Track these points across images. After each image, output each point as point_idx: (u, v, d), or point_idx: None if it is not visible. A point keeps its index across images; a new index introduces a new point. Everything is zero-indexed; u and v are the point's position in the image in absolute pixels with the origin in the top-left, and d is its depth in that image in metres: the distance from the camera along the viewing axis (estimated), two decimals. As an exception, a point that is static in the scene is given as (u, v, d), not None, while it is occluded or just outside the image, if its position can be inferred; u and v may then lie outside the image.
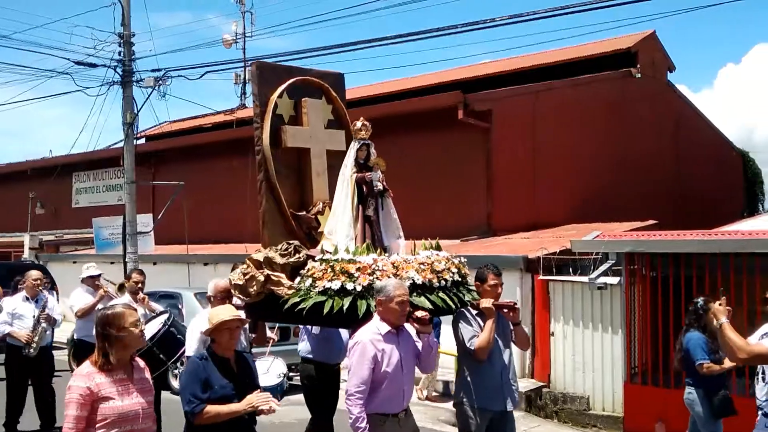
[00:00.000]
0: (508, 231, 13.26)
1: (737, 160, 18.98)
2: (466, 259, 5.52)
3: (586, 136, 14.85)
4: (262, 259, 5.35)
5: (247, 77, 23.87)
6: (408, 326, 4.80)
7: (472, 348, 5.11)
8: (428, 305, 4.87)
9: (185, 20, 61.94)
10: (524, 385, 10.16)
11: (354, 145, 5.54)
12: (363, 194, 5.43)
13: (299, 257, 5.30)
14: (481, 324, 5.18)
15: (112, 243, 15.35)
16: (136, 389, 3.85)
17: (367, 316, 4.79)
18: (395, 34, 17.54)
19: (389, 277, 4.86)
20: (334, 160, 5.91)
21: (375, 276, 4.87)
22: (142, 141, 20.94)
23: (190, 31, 60.85)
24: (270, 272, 5.24)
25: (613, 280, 9.03)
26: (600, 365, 9.39)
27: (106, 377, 3.76)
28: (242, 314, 4.74)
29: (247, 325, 5.97)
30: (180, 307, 11.10)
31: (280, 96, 5.71)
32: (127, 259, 14.34)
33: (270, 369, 6.31)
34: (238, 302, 5.55)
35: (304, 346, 6.64)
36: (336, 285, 4.88)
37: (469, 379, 5.23)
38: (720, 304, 5.03)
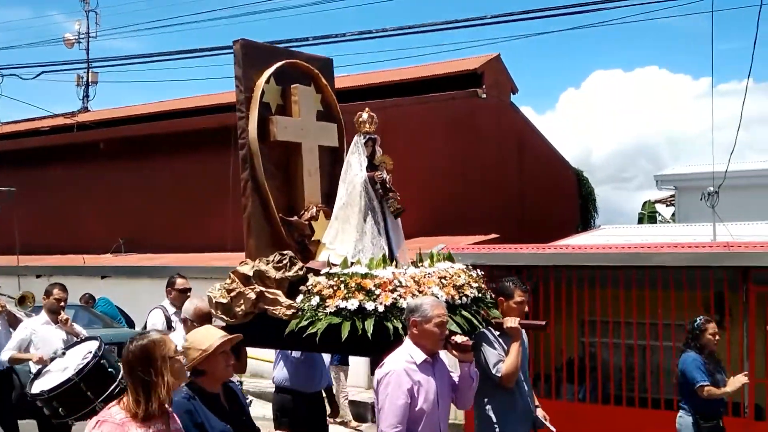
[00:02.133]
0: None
1: (573, 179, 20.37)
2: (482, 272, 4.79)
3: (433, 152, 15.12)
4: (251, 273, 4.40)
5: (90, 79, 22.87)
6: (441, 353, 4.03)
7: (498, 375, 4.41)
8: (453, 326, 4.09)
9: (23, 16, 58.14)
10: (372, 396, 10.42)
11: (359, 140, 4.63)
12: (370, 198, 4.59)
13: (298, 271, 4.40)
14: (505, 346, 4.48)
15: (-70, 254, 14.32)
16: None
17: (396, 340, 3.96)
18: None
19: (414, 294, 4.05)
20: (324, 157, 5.09)
21: (398, 293, 4.04)
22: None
23: (28, 27, 57.20)
24: (263, 288, 4.33)
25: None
26: (444, 374, 9.81)
27: (142, 429, 2.86)
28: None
29: None
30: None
31: (267, 81, 4.76)
32: (-53, 271, 13.39)
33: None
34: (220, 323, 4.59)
35: (279, 373, 5.70)
36: (353, 304, 4.01)
37: (492, 410, 4.49)
38: None
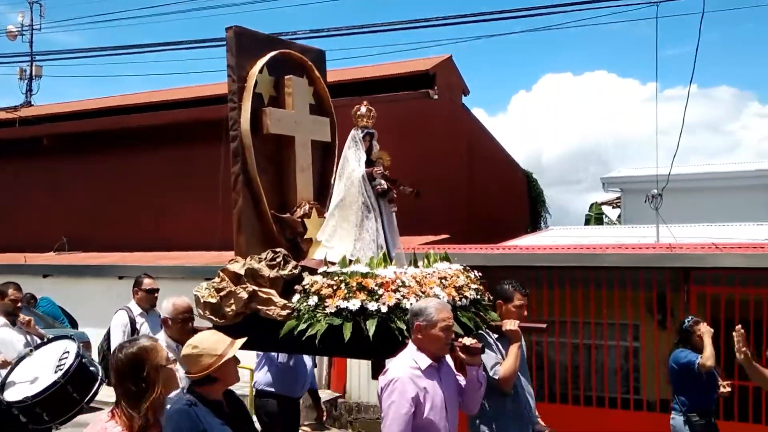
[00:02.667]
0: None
1: (523, 180, 20.64)
2: (480, 274, 4.61)
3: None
4: (242, 272, 4.16)
5: (34, 73, 22.30)
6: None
7: (496, 378, 4.26)
8: (456, 328, 3.90)
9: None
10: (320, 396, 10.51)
11: (357, 135, 4.42)
12: (368, 194, 4.39)
13: (292, 270, 4.16)
14: (503, 350, 4.35)
15: None
16: None
17: (398, 344, 3.78)
18: (178, 40, 17.19)
19: (417, 295, 3.87)
20: (316, 152, 4.88)
21: (401, 294, 3.84)
22: None
23: (-34, 17, 55.41)
24: (256, 288, 4.08)
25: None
26: (393, 374, 9.85)
27: None
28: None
29: None
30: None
31: (260, 71, 4.53)
32: None
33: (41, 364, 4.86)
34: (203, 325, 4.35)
35: (262, 377, 5.51)
36: (354, 305, 3.77)
37: (491, 414, 4.35)
38: None
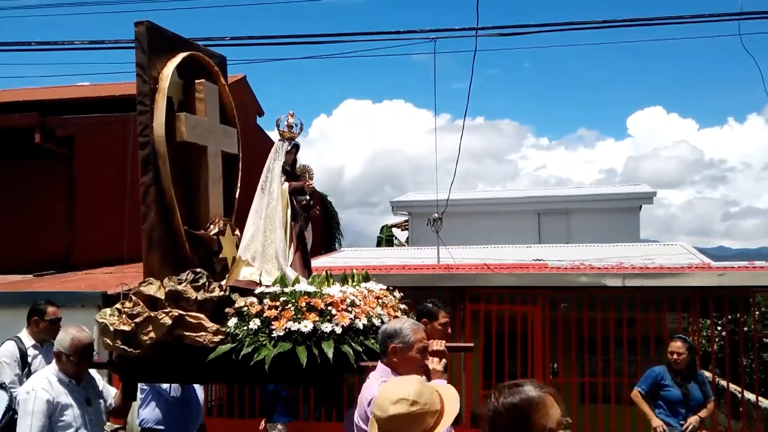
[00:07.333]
0: (90, 265, 12.33)
1: (318, 202, 20.99)
2: (402, 294, 4.40)
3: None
4: (161, 295, 3.73)
5: None
6: None
7: None
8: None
9: None
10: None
11: (282, 147, 4.16)
12: (294, 209, 4.17)
13: (222, 291, 3.78)
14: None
15: None
16: None
17: (349, 367, 3.57)
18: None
19: (367, 315, 3.71)
20: (222, 164, 4.50)
21: (353, 314, 3.64)
22: None
23: None
24: (182, 312, 3.67)
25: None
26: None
27: None
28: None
29: (114, 392, 4.21)
30: None
31: (172, 73, 4.10)
32: None
33: None
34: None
35: (150, 414, 4.95)
36: (306, 327, 3.51)
37: None
38: None
